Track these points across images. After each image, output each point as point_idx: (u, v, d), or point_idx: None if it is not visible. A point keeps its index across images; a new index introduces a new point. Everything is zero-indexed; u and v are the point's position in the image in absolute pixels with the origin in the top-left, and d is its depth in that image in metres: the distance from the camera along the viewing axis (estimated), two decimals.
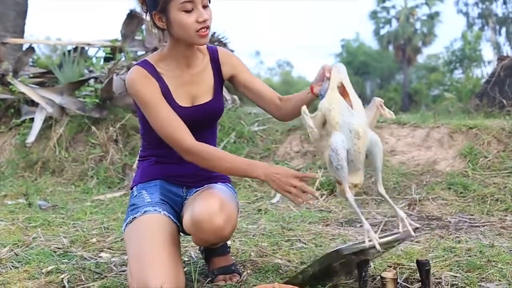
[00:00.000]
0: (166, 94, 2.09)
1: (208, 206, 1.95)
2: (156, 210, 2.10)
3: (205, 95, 2.15)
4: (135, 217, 2.10)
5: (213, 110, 2.16)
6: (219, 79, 2.18)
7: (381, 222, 3.48)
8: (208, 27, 2.00)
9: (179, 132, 2.02)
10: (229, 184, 2.29)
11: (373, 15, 31.33)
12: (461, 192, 4.01)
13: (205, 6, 2.00)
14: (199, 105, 2.14)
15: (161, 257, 1.95)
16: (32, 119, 5.78)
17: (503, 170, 4.29)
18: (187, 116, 2.09)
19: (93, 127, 5.46)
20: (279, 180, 1.93)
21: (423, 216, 3.63)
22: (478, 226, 3.31)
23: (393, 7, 31.27)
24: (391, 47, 31.62)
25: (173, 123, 2.03)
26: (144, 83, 2.06)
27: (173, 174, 2.21)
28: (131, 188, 2.27)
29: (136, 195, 2.20)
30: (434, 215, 3.64)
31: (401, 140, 4.84)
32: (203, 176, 2.20)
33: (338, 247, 1.94)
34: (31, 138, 5.55)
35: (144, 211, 2.10)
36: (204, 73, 2.16)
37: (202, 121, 2.14)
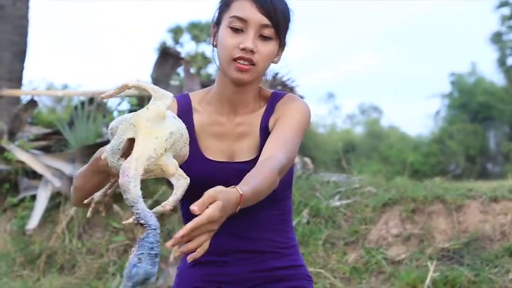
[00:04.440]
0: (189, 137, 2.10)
1: None
2: None
3: (248, 152, 2.15)
4: None
5: None
6: (265, 133, 2.16)
7: None
8: (250, 61, 2.04)
9: None
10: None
11: (496, 38, 31.13)
12: None
13: (265, 38, 2.06)
14: (234, 162, 2.14)
15: None
16: (33, 197, 5.97)
17: None
18: (215, 174, 2.09)
19: (115, 206, 5.58)
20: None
21: None
22: None
23: None
24: None
25: None
26: None
27: (216, 279, 2.22)
28: None
29: None
30: None
31: None
32: (261, 279, 2.17)
33: None
34: (32, 223, 5.71)
35: None
36: (253, 125, 2.19)
37: None
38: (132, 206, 1.59)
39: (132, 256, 1.54)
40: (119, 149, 1.70)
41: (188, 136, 1.79)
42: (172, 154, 1.72)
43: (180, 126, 1.75)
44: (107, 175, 1.93)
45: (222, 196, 1.65)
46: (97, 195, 2.00)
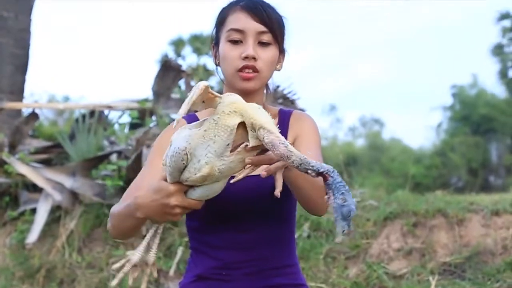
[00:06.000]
0: None
1: None
2: None
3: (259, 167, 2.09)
4: None
5: (265, 186, 2.10)
6: None
7: None
8: (254, 69, 2.09)
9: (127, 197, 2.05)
10: None
11: (498, 50, 31.17)
12: None
13: (263, 44, 2.11)
14: (248, 176, 2.05)
15: None
16: (33, 210, 5.96)
17: None
18: (228, 188, 2.04)
19: None
20: (150, 205, 1.86)
21: None
22: None
23: None
24: None
25: (137, 185, 2.07)
26: (164, 132, 2.19)
27: None
28: None
29: None
30: None
31: None
32: None
33: None
34: (32, 236, 5.71)
35: None
36: None
37: (249, 200, 2.14)
38: (301, 163, 1.66)
39: (333, 200, 1.64)
40: (228, 144, 1.74)
41: None
42: None
43: None
44: (143, 220, 1.92)
45: None
46: (151, 257, 1.94)
